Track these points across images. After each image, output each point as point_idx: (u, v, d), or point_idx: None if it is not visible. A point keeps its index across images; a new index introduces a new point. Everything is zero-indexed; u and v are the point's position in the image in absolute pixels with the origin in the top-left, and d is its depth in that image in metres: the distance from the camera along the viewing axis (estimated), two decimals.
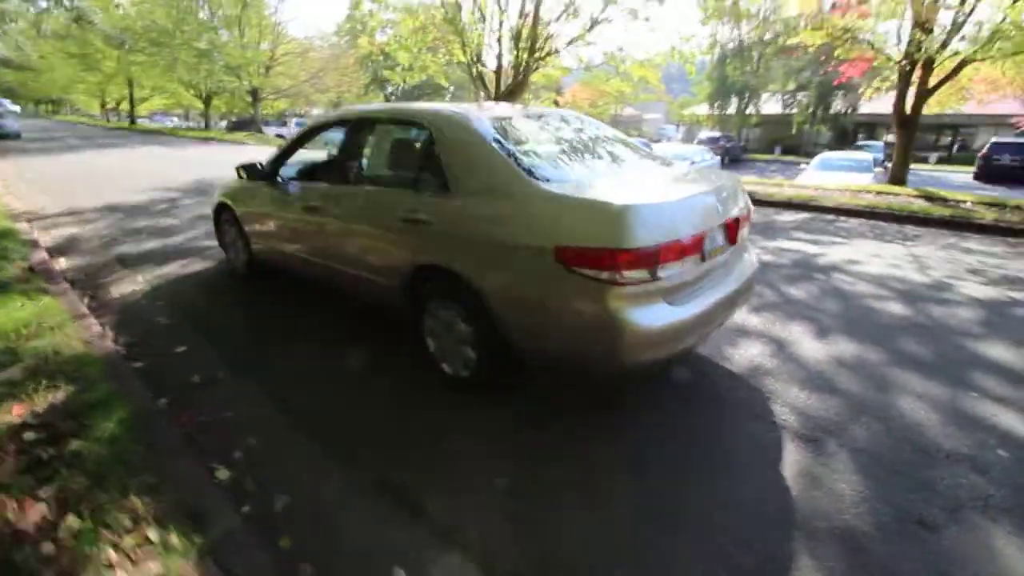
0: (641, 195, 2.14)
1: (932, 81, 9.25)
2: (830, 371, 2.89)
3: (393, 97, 43.29)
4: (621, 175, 2.61)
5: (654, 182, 2.52)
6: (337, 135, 3.36)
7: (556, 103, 28.63)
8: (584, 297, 2.03)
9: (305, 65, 30.24)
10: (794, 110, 29.53)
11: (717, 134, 26.58)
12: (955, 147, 28.20)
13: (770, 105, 30.56)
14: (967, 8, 8.42)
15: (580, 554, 1.71)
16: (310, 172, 3.96)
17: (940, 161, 26.95)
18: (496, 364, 2.43)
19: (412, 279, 2.62)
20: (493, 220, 2.24)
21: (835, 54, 10.96)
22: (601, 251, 1.96)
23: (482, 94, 14.54)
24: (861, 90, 25.77)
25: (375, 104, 5.30)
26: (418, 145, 2.72)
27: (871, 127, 30.05)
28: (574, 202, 2.09)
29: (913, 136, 10.24)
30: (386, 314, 3.09)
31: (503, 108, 2.84)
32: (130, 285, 4.20)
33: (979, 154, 20.11)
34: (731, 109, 31.22)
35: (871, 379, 2.82)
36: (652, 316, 2.05)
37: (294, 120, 32.72)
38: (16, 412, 2.19)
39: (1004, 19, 8.21)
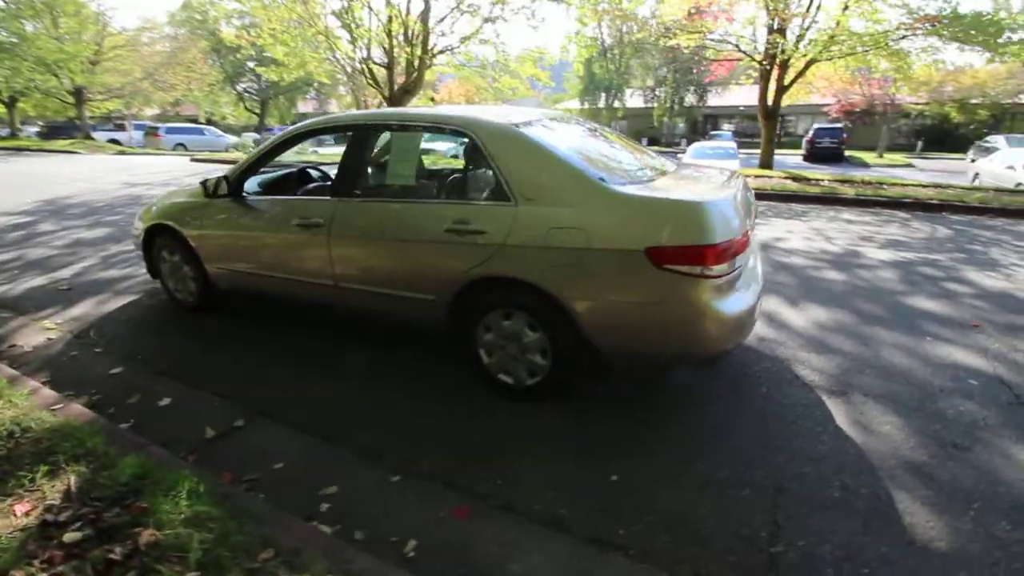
0: (707, 193, 2.28)
1: (788, 78, 10.86)
2: (819, 335, 3.33)
3: (248, 93, 39.52)
4: (671, 175, 2.72)
5: (702, 181, 2.67)
6: (322, 143, 3.05)
7: (432, 99, 28.33)
8: (677, 293, 2.12)
9: (142, 60, 26.25)
10: (654, 104, 32.55)
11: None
12: (781, 134, 33.21)
13: (634, 100, 33.28)
14: (811, 16, 10.00)
15: (700, 516, 1.81)
16: (283, 185, 3.57)
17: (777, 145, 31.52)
18: (570, 368, 2.43)
19: (461, 293, 2.50)
20: (572, 227, 2.22)
21: (707, 54, 12.32)
22: (692, 248, 2.07)
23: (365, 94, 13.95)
24: (707, 82, 29.28)
25: (383, 109, 4.61)
26: (458, 153, 2.58)
27: (715, 119, 34.24)
28: (659, 204, 2.17)
29: (775, 125, 11.95)
30: (416, 331, 2.92)
31: (524, 113, 2.80)
32: (40, 334, 3.42)
33: (805, 138, 23.95)
34: (600, 104, 33.47)
35: (852, 336, 3.30)
36: (733, 305, 2.21)
37: (133, 123, 28.09)
38: (20, 510, 1.71)
39: (837, 24, 9.88)
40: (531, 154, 2.38)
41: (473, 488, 2.04)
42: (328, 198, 2.87)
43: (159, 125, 26.65)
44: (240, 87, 39.36)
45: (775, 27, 10.15)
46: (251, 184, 3.38)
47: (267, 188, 3.49)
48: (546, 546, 1.77)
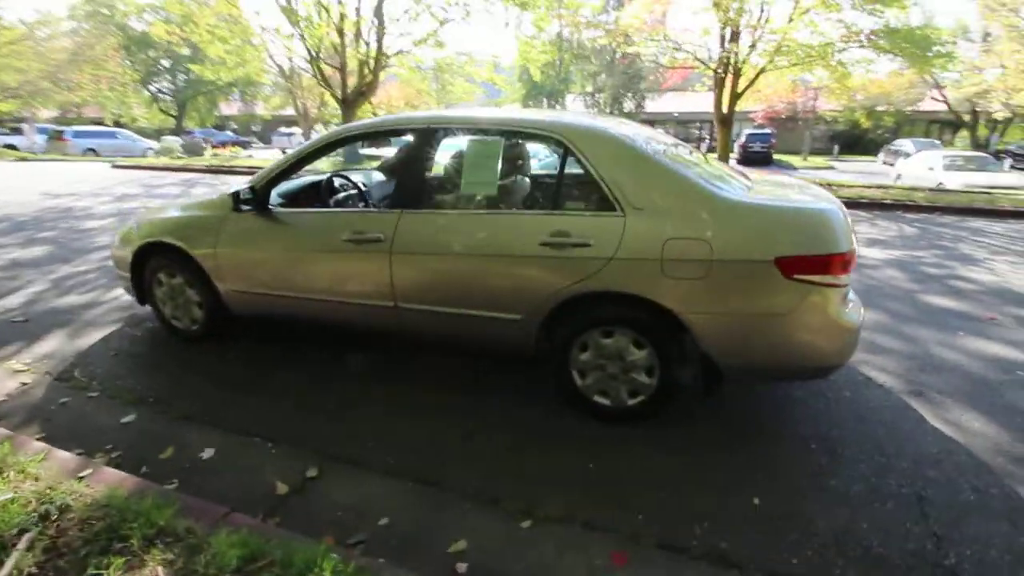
0: (822, 201, 2.23)
1: (741, 86, 11.41)
2: (865, 335, 3.38)
3: (162, 94, 36.48)
4: (760, 182, 2.64)
5: (797, 189, 2.61)
6: (366, 148, 2.74)
7: (370, 103, 27.47)
8: (805, 303, 2.04)
9: (41, 57, 23.45)
10: (594, 110, 33.35)
11: None
12: (711, 139, 35.12)
13: (575, 105, 33.96)
14: (761, 28, 10.56)
15: (861, 534, 1.74)
16: (308, 196, 3.18)
17: (708, 150, 33.29)
18: (678, 386, 2.29)
19: (557, 311, 2.30)
20: (693, 238, 2.09)
21: (664, 61, 12.73)
22: (823, 257, 2.01)
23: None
24: (644, 88, 30.43)
25: (451, 112, 3.70)
26: (549, 160, 2.38)
27: (652, 124, 35.60)
28: (788, 213, 2.10)
29: (730, 131, 12.52)
30: (491, 354, 2.68)
31: (609, 121, 2.62)
32: (9, 379, 2.85)
33: (737, 143, 25.38)
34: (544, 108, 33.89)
35: (896, 335, 3.40)
36: (853, 315, 2.16)
37: (34, 126, 24.88)
38: None
39: (783, 36, 10.49)
40: (636, 161, 2.23)
41: (618, 528, 1.84)
42: (388, 210, 2.56)
43: (64, 128, 23.91)
44: (153, 87, 36.29)
45: (729, 37, 10.63)
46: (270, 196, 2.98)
47: (291, 199, 3.09)
48: None
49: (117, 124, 30.69)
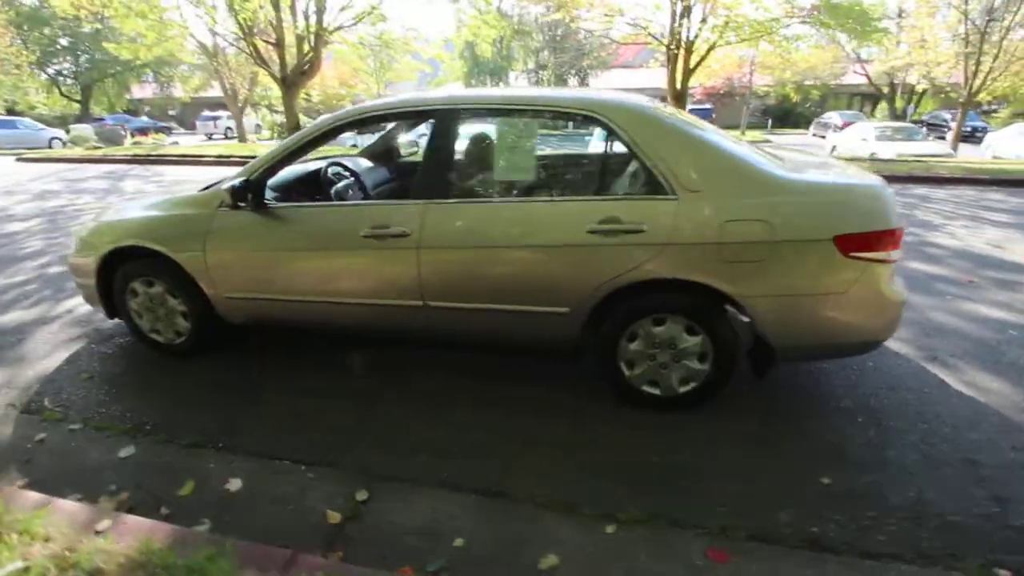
0: (870, 177, 2.22)
1: (693, 61, 11.58)
2: None
3: (62, 77, 32.74)
4: (795, 160, 2.59)
5: (838, 166, 2.58)
6: (375, 134, 2.49)
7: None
8: (862, 281, 2.04)
9: None
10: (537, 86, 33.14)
11: None
12: None
13: (519, 83, 33.55)
14: (711, 2, 10.72)
15: (933, 506, 1.79)
16: (302, 188, 2.88)
17: None
18: (731, 371, 2.26)
19: (606, 301, 2.20)
20: (753, 219, 2.02)
21: (619, 37, 12.68)
22: (879, 234, 2.01)
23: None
24: (587, 65, 30.52)
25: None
26: (591, 141, 2.23)
27: None
28: (844, 190, 2.08)
29: (685, 106, 12.70)
30: (528, 351, 2.54)
31: (641, 98, 2.48)
32: None
33: None
34: (487, 86, 33.23)
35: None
36: (901, 290, 2.19)
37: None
38: None
39: (731, 11, 10.70)
40: (684, 140, 2.14)
41: (703, 523, 1.78)
42: (411, 202, 2.33)
43: None
44: (51, 70, 32.47)
45: (680, 12, 10.73)
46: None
47: (283, 192, 2.78)
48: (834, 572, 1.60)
49: (11, 112, 27.34)
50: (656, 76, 19.89)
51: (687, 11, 10.70)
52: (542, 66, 32.39)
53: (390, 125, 3.52)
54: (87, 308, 3.32)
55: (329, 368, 2.81)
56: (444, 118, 2.31)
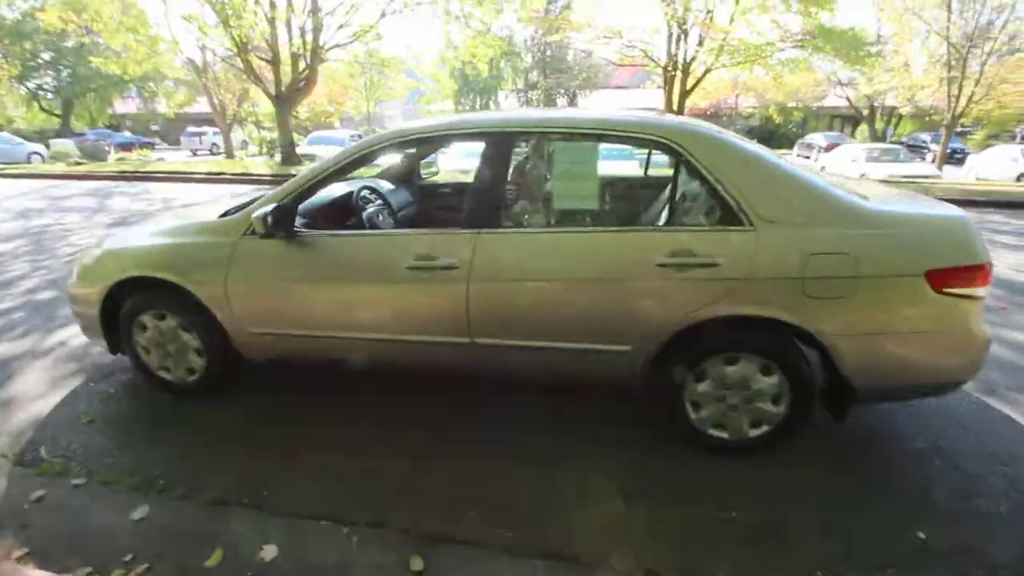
0: (951, 208, 2.11)
1: (689, 83, 11.71)
2: None
3: (42, 91, 32.06)
4: (891, 190, 2.48)
5: (909, 195, 2.47)
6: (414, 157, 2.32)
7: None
8: (952, 318, 1.92)
9: None
10: (527, 106, 33.41)
11: None
12: None
13: (509, 102, 33.83)
14: (706, 26, 10.87)
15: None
16: (330, 215, 2.70)
17: None
18: (807, 413, 2.10)
19: (675, 339, 2.04)
20: (836, 252, 1.89)
21: (616, 59, 12.79)
22: (971, 269, 1.89)
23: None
24: (577, 85, 30.91)
25: (535, 113, 2.87)
26: (650, 167, 2.08)
27: None
28: (934, 222, 1.96)
29: None
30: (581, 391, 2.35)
31: (704, 123, 2.36)
32: None
33: None
34: (477, 105, 33.44)
35: None
36: (987, 328, 2.06)
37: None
38: None
39: (726, 36, 10.87)
40: (759, 167, 2.01)
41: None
42: (460, 231, 2.15)
43: None
44: (31, 84, 31.77)
45: (677, 36, 10.88)
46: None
47: (310, 219, 2.58)
48: None
49: None
50: (648, 96, 20.09)
51: (684, 34, 10.85)
52: (532, 86, 32.71)
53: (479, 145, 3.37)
54: (82, 340, 3.06)
55: (359, 411, 2.58)
56: (499, 141, 2.14)
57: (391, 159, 3.53)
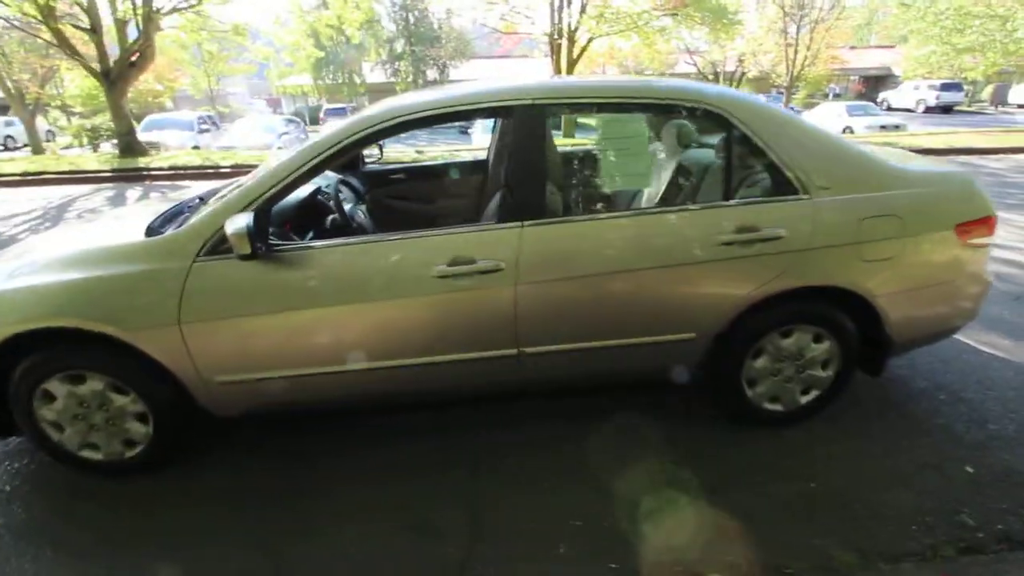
0: (955, 167, 2.23)
1: (575, 52, 11.79)
2: None
3: None
4: (892, 151, 2.52)
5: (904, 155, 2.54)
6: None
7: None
8: (970, 267, 2.06)
9: None
10: (396, 79, 31.69)
11: (343, 105, 26.88)
12: None
13: (375, 74, 31.80)
14: None
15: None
16: (312, 217, 2.18)
17: None
18: (852, 375, 2.15)
19: (739, 319, 1.94)
20: (886, 214, 1.91)
21: (503, 27, 12.38)
22: (986, 219, 2.03)
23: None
24: (445, 61, 30.06)
25: (556, 81, 2.29)
26: (704, 139, 1.90)
27: None
28: (954, 179, 2.06)
29: None
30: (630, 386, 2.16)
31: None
32: None
33: None
34: (340, 79, 30.97)
35: None
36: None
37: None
38: None
39: (604, 3, 11.09)
40: (804, 132, 1.95)
41: (912, 549, 1.65)
42: (501, 225, 1.81)
43: None
44: None
45: (559, 3, 10.85)
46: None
47: (275, 227, 2.02)
48: None
49: None
50: (534, 66, 19.88)
51: (568, 1, 10.87)
52: (398, 56, 31.06)
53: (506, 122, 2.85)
54: None
55: (368, 455, 2.15)
56: (532, 115, 1.81)
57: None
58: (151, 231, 1.94)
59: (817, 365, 2.09)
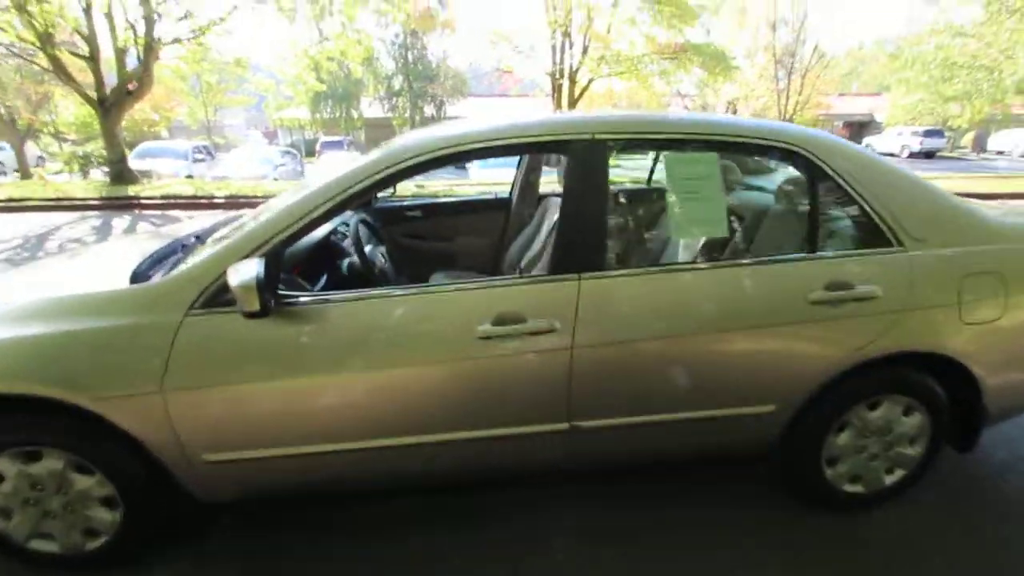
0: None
1: (576, 92, 11.90)
2: None
3: None
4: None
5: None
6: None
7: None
8: None
9: None
10: (393, 115, 32.06)
11: (339, 138, 27.26)
12: None
13: (373, 109, 32.17)
14: (587, 34, 11.14)
15: None
16: (324, 260, 1.90)
17: None
18: (939, 448, 1.87)
19: (827, 389, 1.67)
20: (989, 271, 1.68)
21: (504, 66, 12.51)
22: None
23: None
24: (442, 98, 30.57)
25: (619, 115, 1.77)
26: (786, 184, 1.68)
27: None
28: None
29: None
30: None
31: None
32: None
33: None
34: (337, 113, 31.28)
35: None
36: None
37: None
38: None
39: (605, 47, 11.26)
40: (898, 179, 1.72)
41: None
42: (555, 277, 1.54)
43: None
44: None
45: (561, 45, 11.03)
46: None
47: (288, 273, 1.75)
48: None
49: None
50: (535, 105, 20.00)
51: (569, 43, 11.03)
52: (395, 93, 31.52)
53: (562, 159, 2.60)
54: None
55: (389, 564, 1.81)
56: (590, 151, 1.57)
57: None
58: (137, 276, 1.65)
59: (906, 441, 1.81)
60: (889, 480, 1.86)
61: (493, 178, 10.49)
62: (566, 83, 11.53)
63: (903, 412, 1.77)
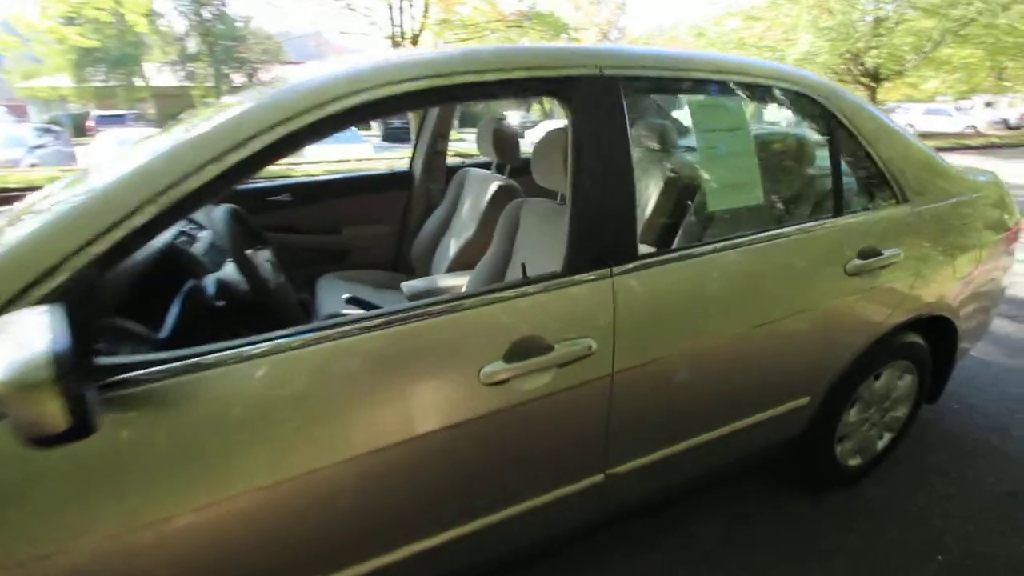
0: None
1: None
2: None
3: None
4: None
5: None
6: None
7: None
8: (1005, 275, 1.91)
9: None
10: (191, 82, 27.07)
11: (120, 112, 22.12)
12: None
13: (164, 77, 26.76)
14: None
15: None
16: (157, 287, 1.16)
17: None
18: (920, 406, 1.87)
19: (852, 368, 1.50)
20: (966, 224, 1.64)
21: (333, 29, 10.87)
22: (1019, 225, 1.90)
23: None
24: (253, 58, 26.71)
25: (607, 46, 2.01)
26: (805, 136, 1.39)
27: None
28: (998, 185, 1.85)
29: None
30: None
31: None
32: None
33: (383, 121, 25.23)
34: (112, 81, 25.40)
35: None
36: None
37: None
38: None
39: (447, 8, 10.56)
40: (892, 129, 1.57)
41: None
42: (576, 278, 1.05)
43: None
44: None
45: (399, 5, 10.03)
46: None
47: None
48: None
49: None
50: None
51: (410, 2, 10.08)
52: (191, 58, 26.63)
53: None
54: None
55: None
56: (599, 89, 1.07)
57: None
58: None
59: (899, 404, 1.76)
60: (881, 445, 1.81)
61: (328, 156, 9.04)
62: (408, 47, 10.59)
63: (898, 377, 1.70)
